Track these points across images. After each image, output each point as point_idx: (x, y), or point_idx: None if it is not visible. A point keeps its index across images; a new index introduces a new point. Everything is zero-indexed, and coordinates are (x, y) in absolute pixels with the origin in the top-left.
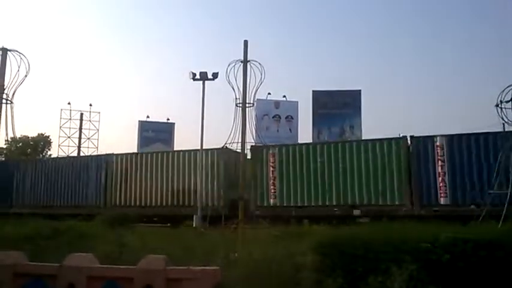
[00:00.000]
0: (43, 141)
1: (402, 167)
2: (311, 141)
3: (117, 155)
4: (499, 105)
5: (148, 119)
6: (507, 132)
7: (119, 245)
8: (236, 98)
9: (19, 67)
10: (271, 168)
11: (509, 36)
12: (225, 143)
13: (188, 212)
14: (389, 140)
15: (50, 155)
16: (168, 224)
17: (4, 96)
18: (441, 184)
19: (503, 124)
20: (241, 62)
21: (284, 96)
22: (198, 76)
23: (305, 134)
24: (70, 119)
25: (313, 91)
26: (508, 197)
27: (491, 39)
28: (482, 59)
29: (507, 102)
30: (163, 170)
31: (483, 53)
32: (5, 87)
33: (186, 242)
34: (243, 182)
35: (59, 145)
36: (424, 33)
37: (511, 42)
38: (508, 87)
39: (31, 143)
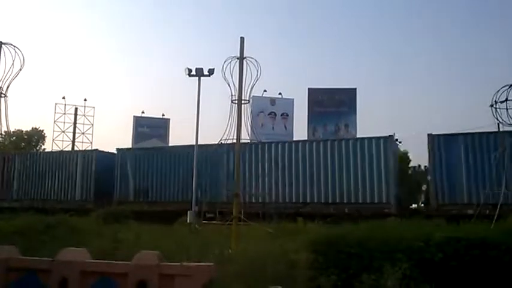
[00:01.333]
0: (37, 136)
1: None
2: (306, 138)
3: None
4: (494, 106)
5: (143, 115)
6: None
7: (114, 240)
8: (232, 95)
9: (13, 60)
10: None
11: (509, 35)
12: (220, 140)
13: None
14: None
15: (44, 149)
16: None
17: None
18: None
19: (498, 124)
20: (237, 58)
21: (280, 94)
22: (194, 72)
23: (300, 131)
24: (64, 113)
25: (309, 89)
26: (502, 196)
27: (492, 38)
28: (481, 58)
29: (502, 102)
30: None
31: (482, 52)
32: None
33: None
34: (237, 178)
35: (53, 139)
36: (422, 32)
37: (510, 41)
38: (503, 87)
39: (25, 137)
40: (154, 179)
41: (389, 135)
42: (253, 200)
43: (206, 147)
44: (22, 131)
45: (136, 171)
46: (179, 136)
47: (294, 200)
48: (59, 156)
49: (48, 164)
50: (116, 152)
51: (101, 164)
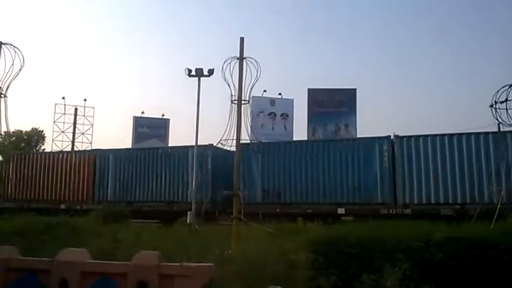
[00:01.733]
0: (37, 136)
1: None
2: (306, 139)
3: None
4: (494, 106)
5: (143, 115)
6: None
7: (114, 240)
8: (231, 95)
9: (13, 61)
10: None
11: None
12: (220, 140)
13: None
14: None
15: (44, 149)
16: None
17: None
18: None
19: (498, 124)
20: (237, 58)
21: (280, 94)
22: (193, 72)
23: (300, 131)
24: (64, 113)
25: (308, 89)
26: (502, 196)
27: (492, 38)
28: (482, 58)
29: (501, 102)
30: None
31: (483, 52)
32: None
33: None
34: (237, 179)
35: (52, 140)
36: (422, 32)
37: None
38: (502, 87)
39: (25, 137)
40: (287, 177)
41: None
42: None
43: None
44: (22, 132)
45: (264, 169)
46: (179, 136)
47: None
48: (165, 152)
49: (151, 161)
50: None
51: (215, 161)
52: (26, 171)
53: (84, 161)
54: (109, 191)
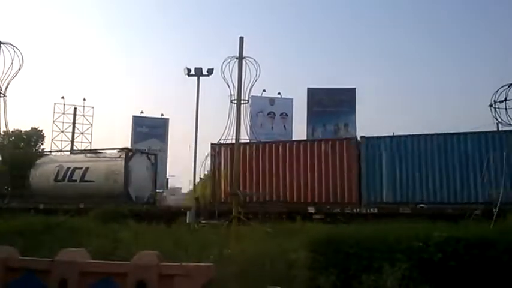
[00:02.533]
0: (36, 135)
1: None
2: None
3: None
4: (493, 105)
5: (142, 115)
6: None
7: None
8: (231, 95)
9: (12, 60)
10: None
11: (510, 35)
12: (219, 140)
13: None
14: None
15: (43, 149)
16: None
17: None
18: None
19: (497, 124)
20: (237, 58)
21: (279, 94)
22: (193, 72)
23: (299, 131)
24: (63, 113)
25: (308, 88)
26: (500, 196)
27: (492, 38)
28: (482, 58)
29: (501, 102)
30: None
31: (483, 52)
32: None
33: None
34: (237, 178)
35: (52, 139)
36: (422, 32)
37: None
38: (502, 87)
39: (24, 136)
40: None
41: None
42: None
43: None
44: (21, 131)
45: None
46: (178, 136)
47: None
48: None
49: (437, 152)
50: None
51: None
52: (242, 165)
53: (340, 152)
54: (384, 191)
